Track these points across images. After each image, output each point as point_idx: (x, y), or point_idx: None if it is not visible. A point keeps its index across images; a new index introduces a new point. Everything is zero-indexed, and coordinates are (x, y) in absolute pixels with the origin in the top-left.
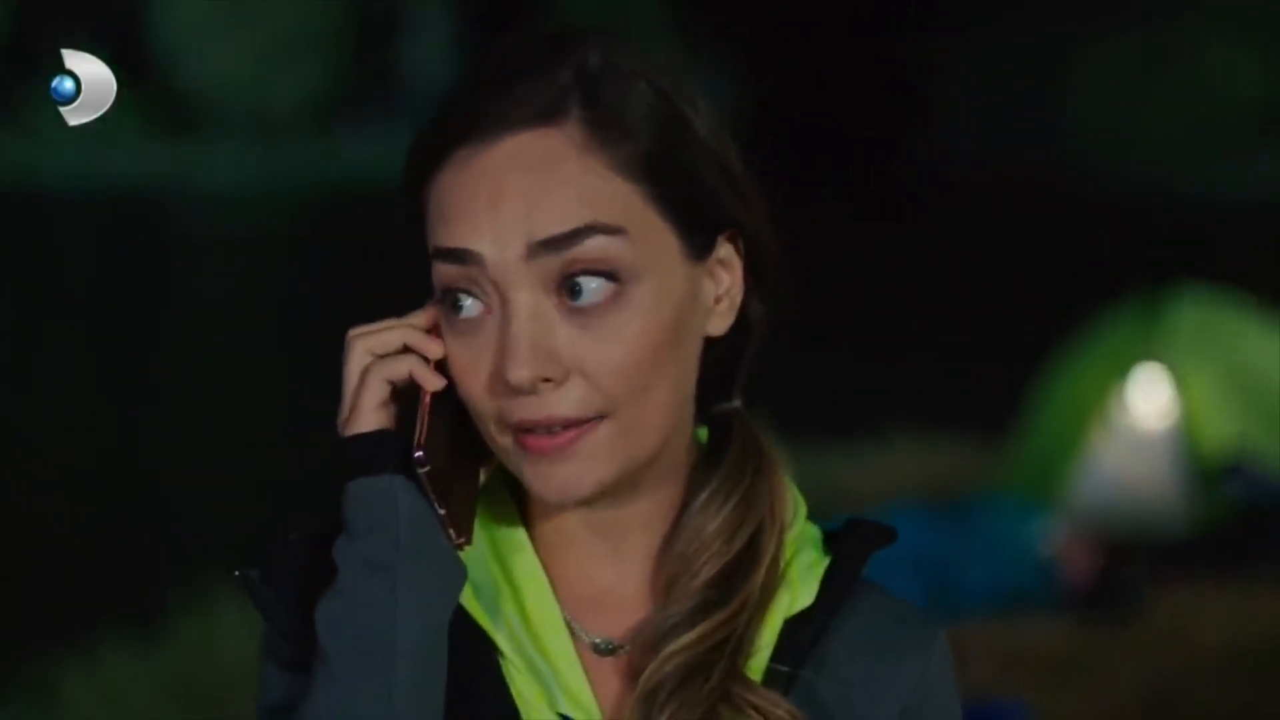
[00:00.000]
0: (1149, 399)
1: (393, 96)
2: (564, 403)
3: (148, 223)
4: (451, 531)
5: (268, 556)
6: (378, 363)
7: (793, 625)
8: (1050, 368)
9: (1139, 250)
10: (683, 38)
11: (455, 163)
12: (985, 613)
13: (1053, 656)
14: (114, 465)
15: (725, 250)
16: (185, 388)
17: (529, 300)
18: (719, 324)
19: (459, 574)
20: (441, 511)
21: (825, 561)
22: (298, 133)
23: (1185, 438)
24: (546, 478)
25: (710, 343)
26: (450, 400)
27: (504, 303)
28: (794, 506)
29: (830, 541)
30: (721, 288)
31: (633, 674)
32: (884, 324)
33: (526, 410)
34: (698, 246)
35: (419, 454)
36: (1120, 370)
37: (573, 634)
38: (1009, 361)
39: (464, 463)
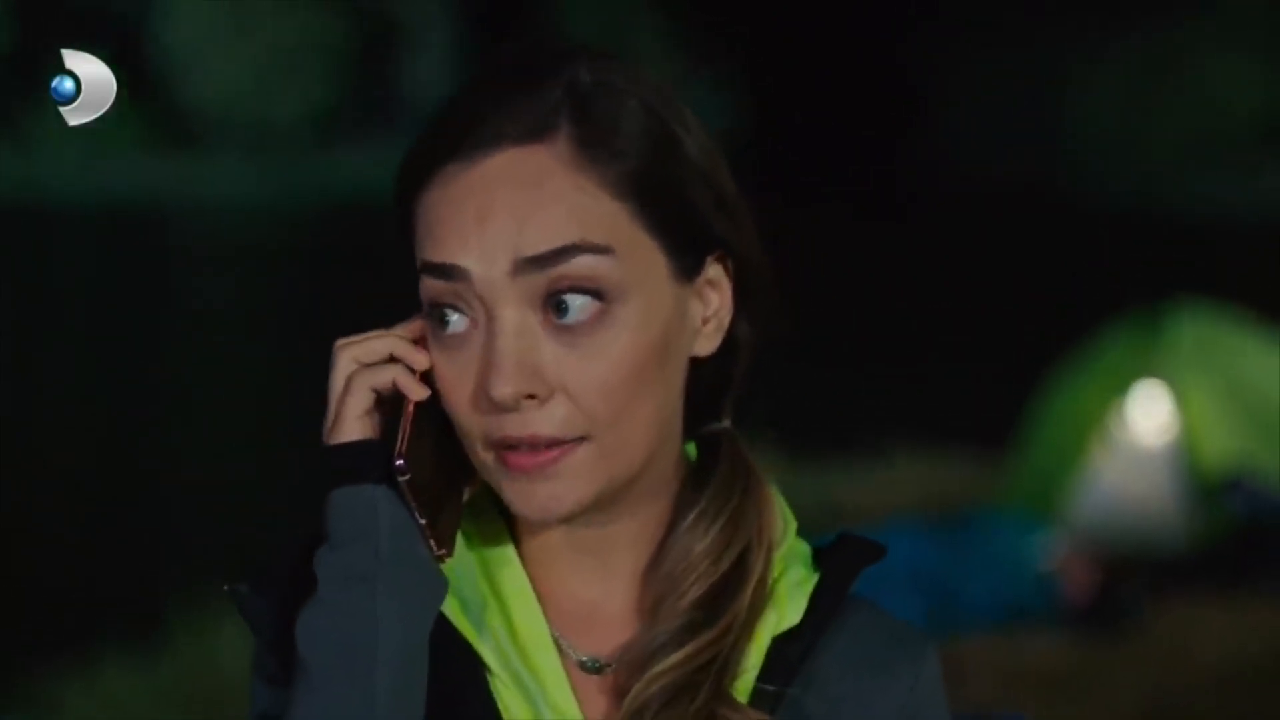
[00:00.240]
0: (1149, 414)
1: (393, 110)
2: (547, 421)
3: (148, 235)
4: (432, 542)
5: (257, 570)
6: (363, 371)
7: (781, 643)
8: (1050, 383)
9: (1139, 265)
10: (683, 44)
11: (444, 177)
12: (985, 628)
13: (1053, 672)
14: (114, 475)
15: (714, 271)
16: (185, 400)
17: (515, 317)
18: (706, 345)
19: (440, 585)
20: (422, 521)
21: (814, 578)
22: (298, 146)
23: (1185, 453)
24: (527, 496)
25: (698, 363)
26: (436, 412)
27: (490, 319)
28: (783, 524)
29: (820, 558)
30: (710, 309)
31: (619, 693)
32: (884, 339)
33: (509, 428)
34: (686, 267)
35: (399, 462)
36: (1120, 386)
37: (560, 651)
38: (1009, 377)
39: (448, 475)
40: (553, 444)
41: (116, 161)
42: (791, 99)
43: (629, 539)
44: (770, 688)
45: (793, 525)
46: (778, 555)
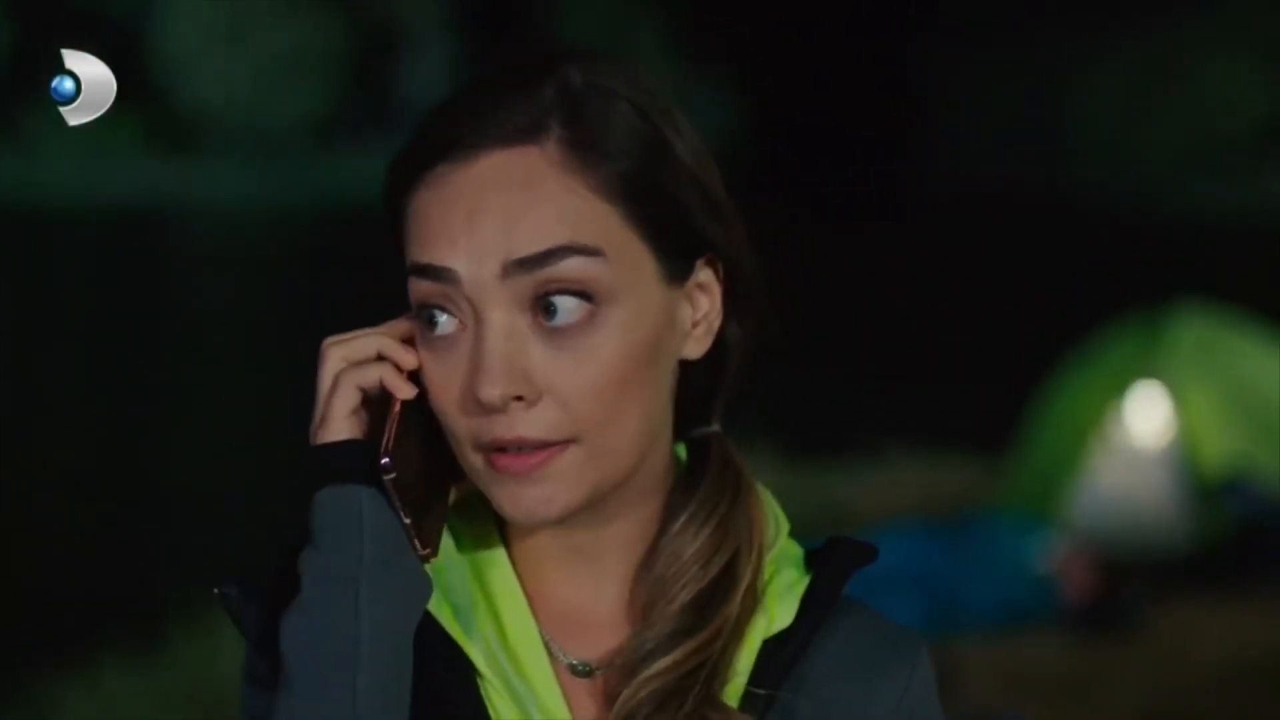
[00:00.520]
0: (1148, 416)
1: (391, 115)
2: (535, 424)
3: (146, 238)
4: (417, 542)
5: (246, 573)
6: (350, 369)
7: (772, 646)
8: (1050, 385)
9: (1139, 267)
10: (683, 47)
11: (434, 179)
12: (985, 630)
13: (1052, 673)
14: (114, 477)
15: (705, 275)
16: (185, 404)
17: (503, 318)
18: (695, 348)
19: (425, 587)
20: (407, 521)
21: (806, 581)
22: (297, 150)
23: (1184, 455)
24: (515, 498)
25: (688, 366)
26: (423, 412)
27: (478, 320)
28: (775, 526)
29: (811, 560)
30: (699, 312)
31: (608, 697)
32: (883, 341)
33: (498, 430)
34: (676, 270)
35: (385, 460)
36: (1120, 388)
37: (550, 654)
38: (1008, 379)
39: (434, 475)
40: (541, 446)
41: (115, 164)
42: (791, 101)
43: (619, 542)
44: (761, 691)
45: (784, 528)
46: (769, 558)
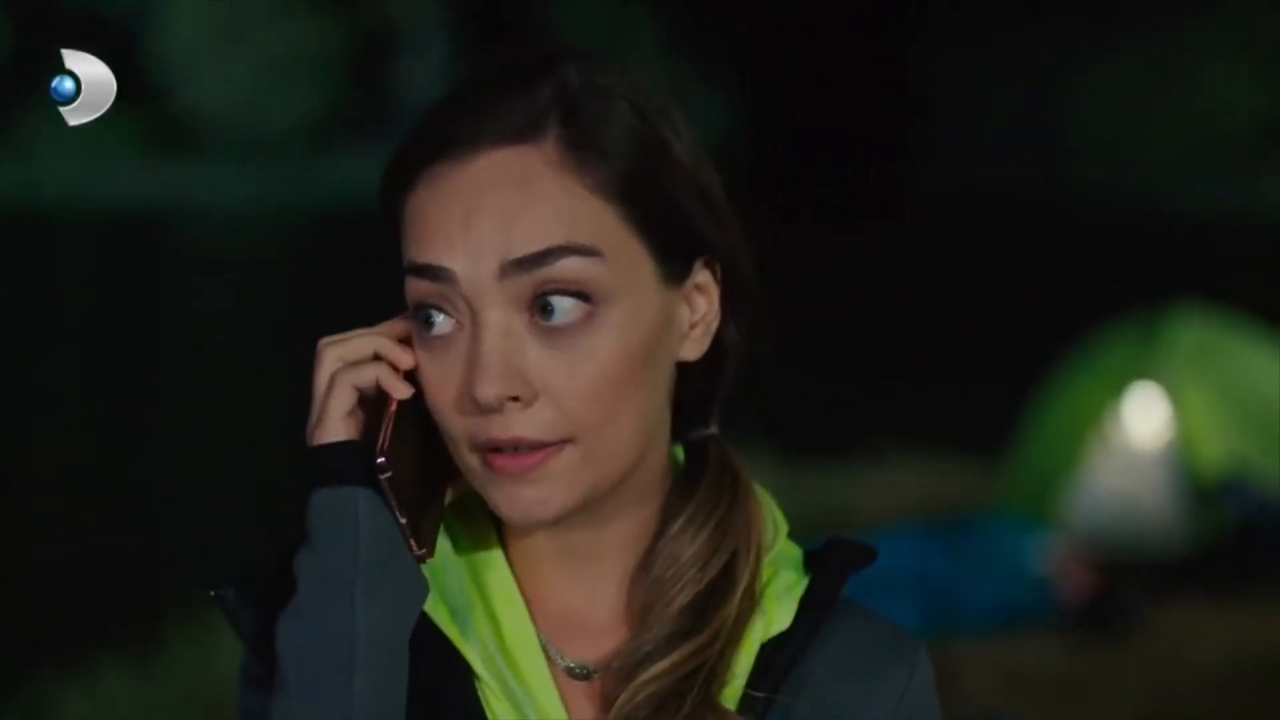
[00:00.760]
0: (1146, 418)
1: (389, 117)
2: (531, 424)
3: (145, 241)
4: (412, 542)
5: (243, 575)
6: (346, 369)
7: (771, 649)
8: (1048, 386)
9: (1137, 268)
10: (681, 48)
11: (431, 178)
12: (983, 632)
13: (1051, 674)
14: (113, 480)
15: (703, 276)
16: (183, 407)
17: (500, 318)
18: (693, 350)
19: (420, 589)
20: (403, 521)
21: (804, 582)
22: (294, 153)
23: (1182, 456)
24: (512, 499)
25: (685, 368)
26: (419, 412)
27: (475, 320)
28: (773, 528)
29: (810, 562)
30: (697, 314)
31: (606, 700)
32: (882, 343)
33: (494, 430)
34: (673, 271)
35: (381, 459)
36: (1117, 389)
37: (547, 656)
38: (1006, 380)
39: (430, 475)
40: (536, 447)
41: (113, 166)
42: (789, 103)
43: (617, 544)
44: (759, 694)
45: (783, 529)
46: (767, 560)
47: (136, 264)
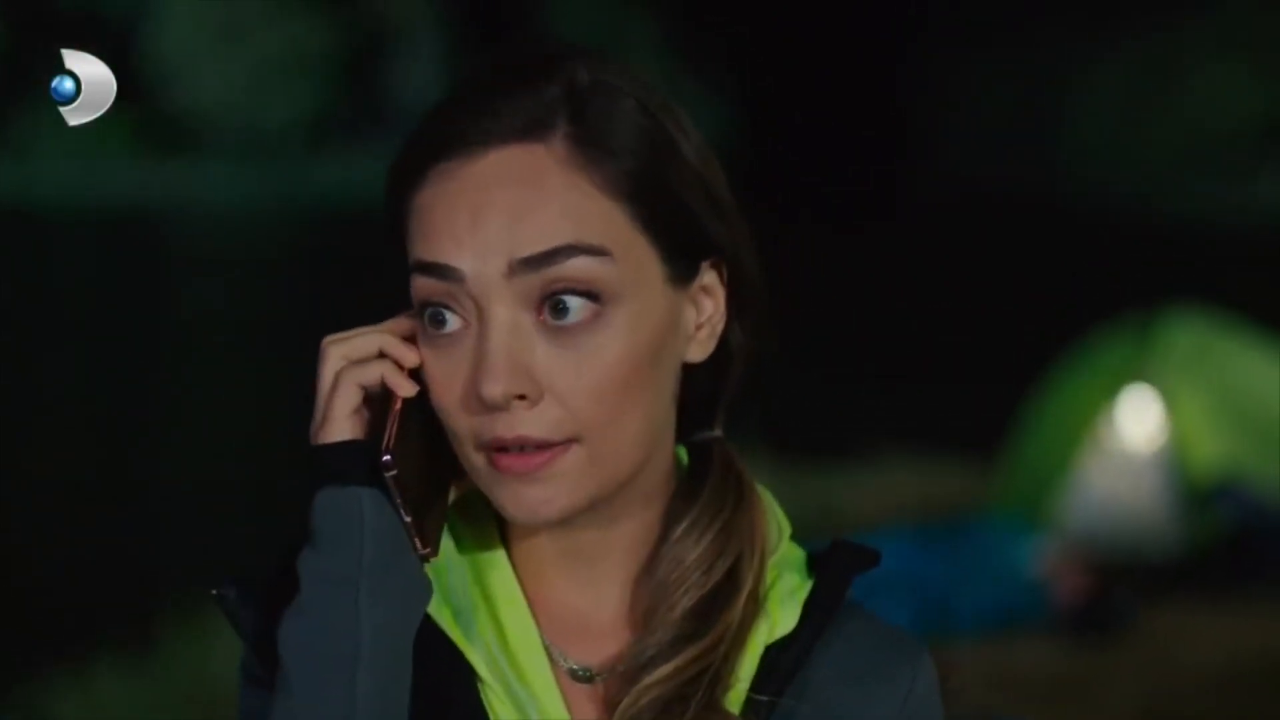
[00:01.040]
0: (1140, 420)
1: (384, 117)
2: (536, 424)
3: (142, 241)
4: (417, 541)
5: (244, 575)
6: (350, 368)
7: (775, 652)
8: (1042, 388)
9: (1131, 270)
10: (677, 50)
11: (438, 175)
12: (977, 634)
13: (1045, 677)
14: (107, 484)
15: (709, 277)
16: (179, 408)
17: (507, 316)
18: (699, 351)
19: (424, 590)
20: (407, 519)
21: (808, 585)
22: (289, 152)
23: (1176, 459)
24: (517, 499)
25: (691, 369)
26: (424, 411)
27: (482, 318)
28: (777, 530)
29: (814, 564)
30: (703, 315)
31: (610, 703)
32: (877, 344)
33: (499, 428)
34: (681, 271)
35: (386, 458)
36: (1111, 391)
37: (551, 659)
38: (1001, 382)
39: (434, 474)
40: (542, 446)
41: (110, 166)
42: (786, 105)
43: (621, 545)
44: (763, 697)
45: (787, 531)
46: (771, 562)
47: (133, 263)
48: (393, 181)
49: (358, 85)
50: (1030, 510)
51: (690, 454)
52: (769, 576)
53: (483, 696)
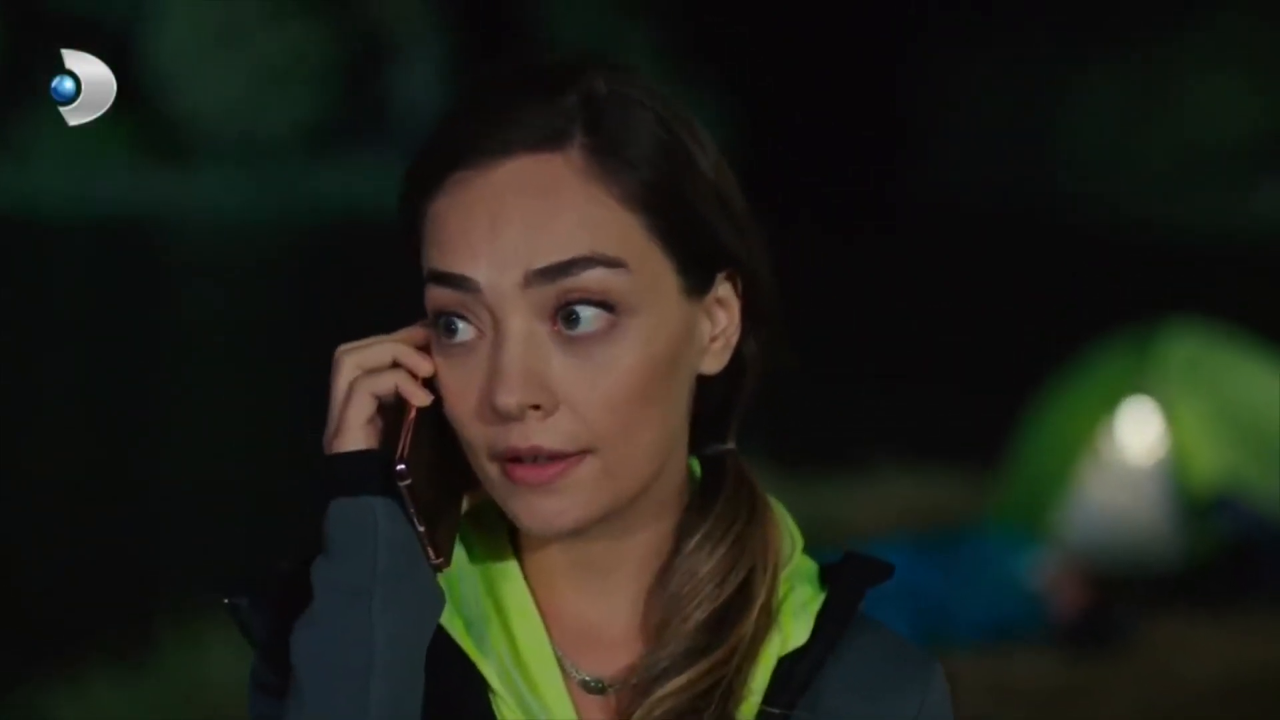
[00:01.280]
0: (1139, 433)
1: (382, 125)
2: (551, 434)
3: (139, 247)
4: (430, 551)
5: (255, 583)
6: (365, 377)
7: (787, 664)
8: (1040, 400)
9: (1130, 283)
10: (675, 57)
11: (454, 184)
12: (975, 646)
13: (1043, 689)
14: (104, 493)
15: (724, 289)
16: (175, 416)
17: (523, 326)
18: (713, 363)
19: (437, 600)
20: (421, 529)
21: (821, 597)
22: (287, 160)
23: (1175, 471)
24: (531, 510)
25: (704, 381)
26: (437, 420)
27: (498, 328)
28: (790, 542)
29: (826, 576)
30: (718, 327)
31: (621, 715)
32: (874, 355)
33: (513, 438)
34: (696, 283)
35: (401, 467)
36: (1110, 403)
37: (563, 670)
38: (999, 394)
39: (448, 485)
40: (556, 457)
41: (108, 172)
42: (782, 117)
43: (633, 557)
44: (775, 710)
45: (799, 543)
46: (784, 575)
47: (132, 269)
48: (407, 189)
49: (356, 91)
50: (1029, 521)
51: (703, 466)
52: (781, 589)
53: (494, 707)
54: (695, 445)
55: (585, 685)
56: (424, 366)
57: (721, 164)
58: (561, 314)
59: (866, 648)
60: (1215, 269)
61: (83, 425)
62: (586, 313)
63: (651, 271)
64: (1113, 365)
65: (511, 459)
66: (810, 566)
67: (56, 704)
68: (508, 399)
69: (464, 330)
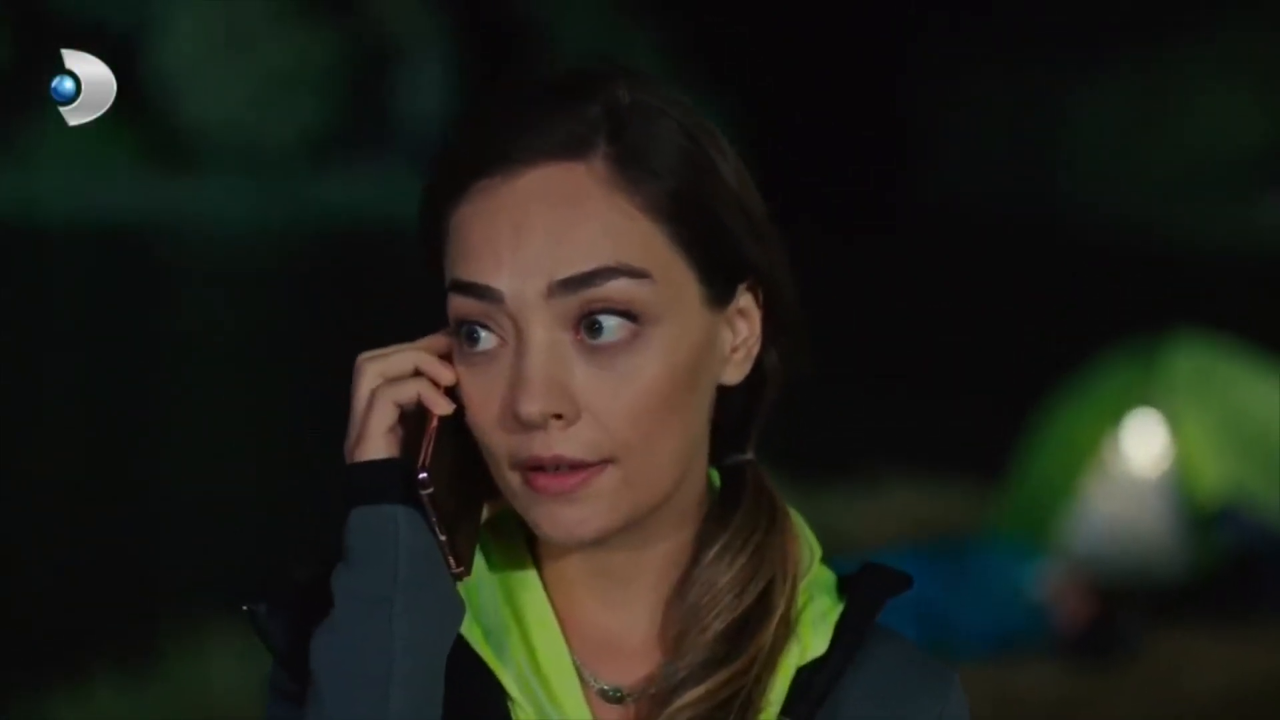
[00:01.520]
0: (1144, 444)
1: (387, 134)
2: (572, 443)
3: (142, 255)
4: (451, 560)
5: (273, 590)
6: (386, 385)
7: (806, 675)
8: (1045, 412)
9: (1136, 295)
10: (677, 61)
11: (477, 193)
12: (979, 657)
13: (1048, 700)
14: (107, 499)
15: (745, 300)
16: (179, 423)
17: (545, 335)
18: (734, 373)
19: (457, 609)
20: (442, 538)
21: (839, 608)
22: (292, 169)
23: (1180, 483)
24: (553, 519)
25: (725, 392)
26: (458, 429)
27: (520, 337)
28: (809, 553)
29: (845, 587)
30: (739, 337)
31: None
32: (877, 366)
33: (535, 447)
34: (718, 293)
35: (423, 475)
36: (1115, 415)
37: (581, 679)
38: (1004, 405)
39: (469, 493)
40: (578, 466)
41: (111, 180)
42: (782, 118)
43: (653, 567)
44: None
45: (818, 554)
46: (802, 585)
47: (135, 276)
48: (429, 197)
49: (361, 100)
50: (1034, 532)
51: (722, 477)
52: (800, 599)
53: (514, 716)
54: (715, 455)
55: (604, 694)
56: (446, 375)
57: (743, 173)
58: (584, 323)
59: (885, 658)
60: (1221, 280)
61: (86, 433)
62: (609, 322)
63: (674, 281)
64: (1118, 377)
65: (533, 468)
66: (829, 577)
67: (59, 709)
68: (530, 407)
69: (486, 339)
